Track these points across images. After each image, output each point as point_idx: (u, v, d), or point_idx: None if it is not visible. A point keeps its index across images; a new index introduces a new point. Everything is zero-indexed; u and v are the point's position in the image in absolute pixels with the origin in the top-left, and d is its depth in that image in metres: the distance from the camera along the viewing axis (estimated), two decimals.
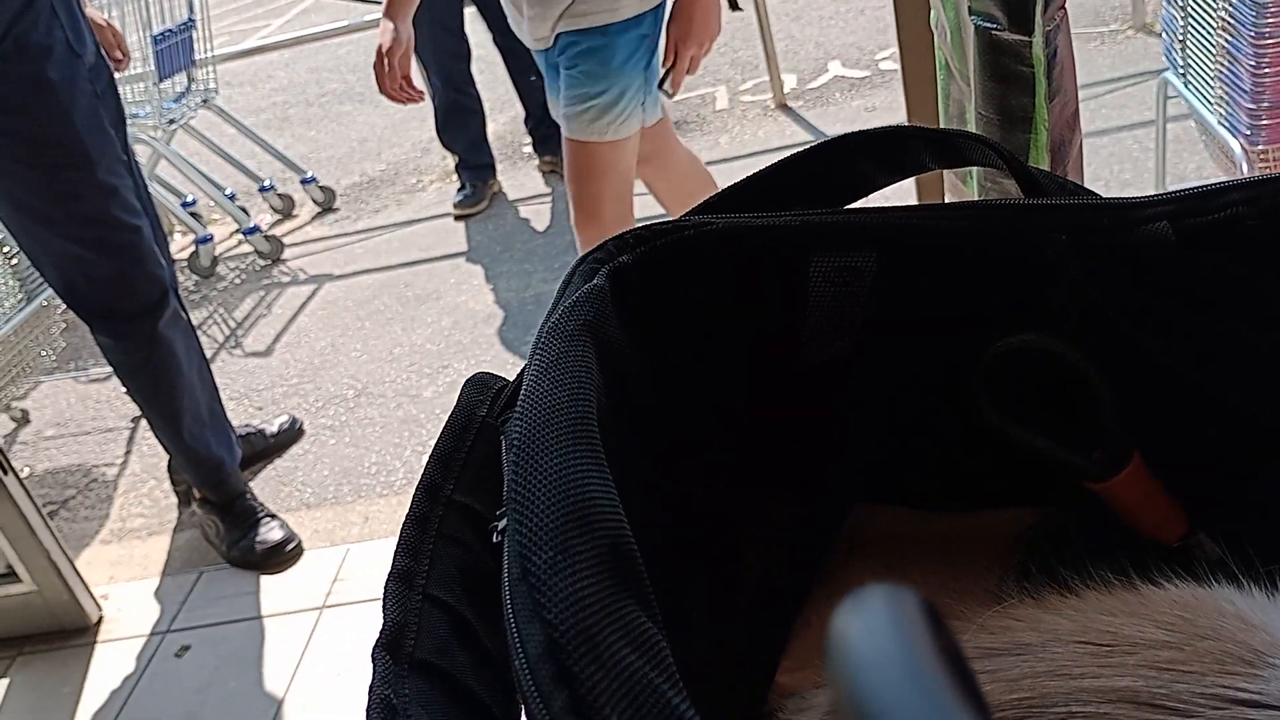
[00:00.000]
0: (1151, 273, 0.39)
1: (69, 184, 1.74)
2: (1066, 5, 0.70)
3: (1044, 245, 0.39)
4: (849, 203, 0.45)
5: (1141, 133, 2.72)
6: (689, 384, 0.41)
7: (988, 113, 0.72)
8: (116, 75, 1.98)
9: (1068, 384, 0.41)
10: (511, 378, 0.39)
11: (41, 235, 1.79)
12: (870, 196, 0.46)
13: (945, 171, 0.93)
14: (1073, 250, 0.39)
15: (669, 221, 0.40)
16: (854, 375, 0.43)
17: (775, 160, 0.45)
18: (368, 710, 0.31)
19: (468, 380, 0.39)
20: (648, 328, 0.39)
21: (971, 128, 0.75)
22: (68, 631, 1.98)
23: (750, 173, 0.45)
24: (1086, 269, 0.39)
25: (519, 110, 3.47)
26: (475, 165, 3.35)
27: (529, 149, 3.59)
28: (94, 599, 2.02)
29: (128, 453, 2.63)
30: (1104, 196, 0.40)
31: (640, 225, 0.40)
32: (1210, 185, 0.38)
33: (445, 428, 0.37)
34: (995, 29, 0.70)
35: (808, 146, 0.45)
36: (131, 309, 1.87)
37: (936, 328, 0.43)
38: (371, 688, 0.32)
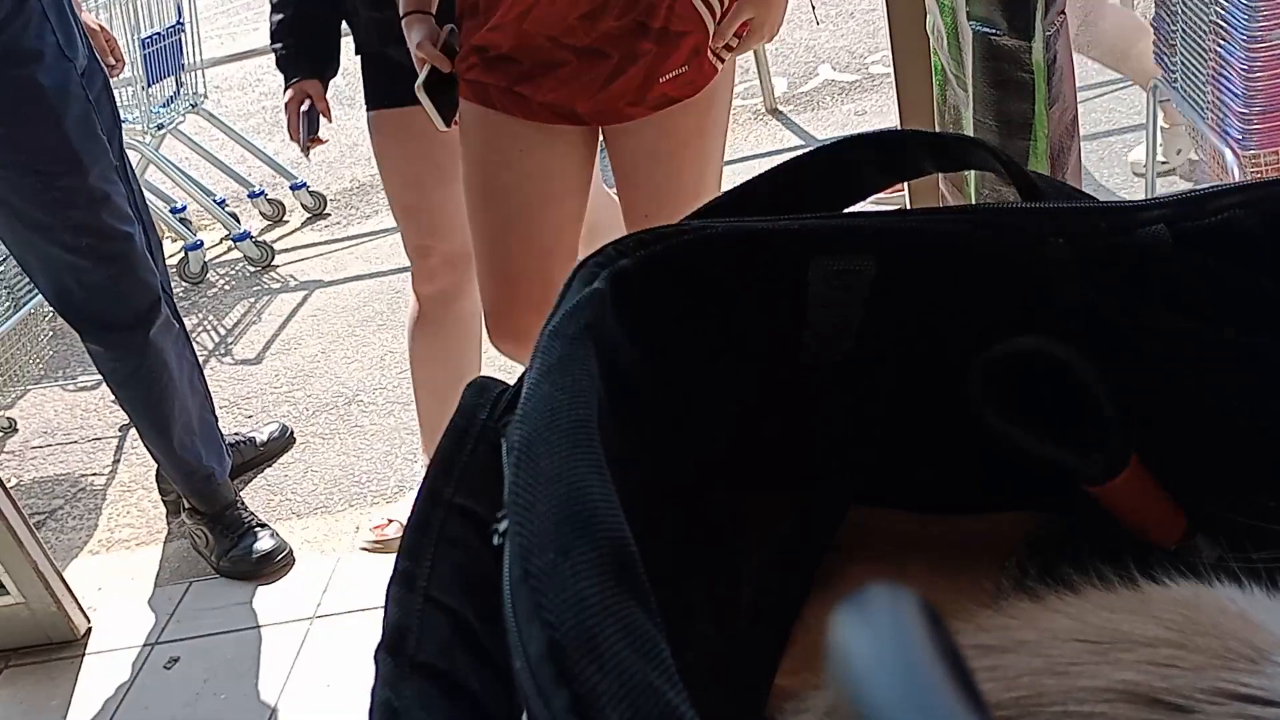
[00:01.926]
0: (1149, 276, 0.39)
1: (61, 191, 1.73)
2: (1065, 10, 0.70)
3: (1042, 248, 0.39)
4: (848, 206, 0.45)
5: (1130, 136, 2.74)
6: (689, 386, 0.41)
7: (986, 119, 0.73)
8: None
9: (1066, 387, 0.41)
10: (503, 383, 0.39)
11: (33, 242, 1.79)
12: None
13: (941, 179, 0.94)
14: (1071, 253, 0.39)
15: (669, 225, 0.40)
16: (853, 378, 0.43)
17: (769, 164, 0.45)
18: (370, 712, 0.31)
19: (469, 384, 0.39)
20: (648, 331, 0.39)
21: (969, 133, 0.75)
22: (55, 643, 1.96)
23: (742, 177, 0.45)
24: (1084, 272, 0.39)
25: None
26: None
27: None
28: (82, 610, 2.01)
29: (116, 462, 2.61)
30: (1101, 200, 0.41)
31: (641, 229, 0.40)
32: (1207, 189, 0.38)
33: (446, 431, 0.38)
34: (995, 35, 0.70)
35: (807, 150, 0.45)
36: (123, 317, 1.86)
37: (935, 331, 0.43)
38: (373, 690, 0.32)
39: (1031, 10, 0.67)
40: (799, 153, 0.45)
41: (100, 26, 2.32)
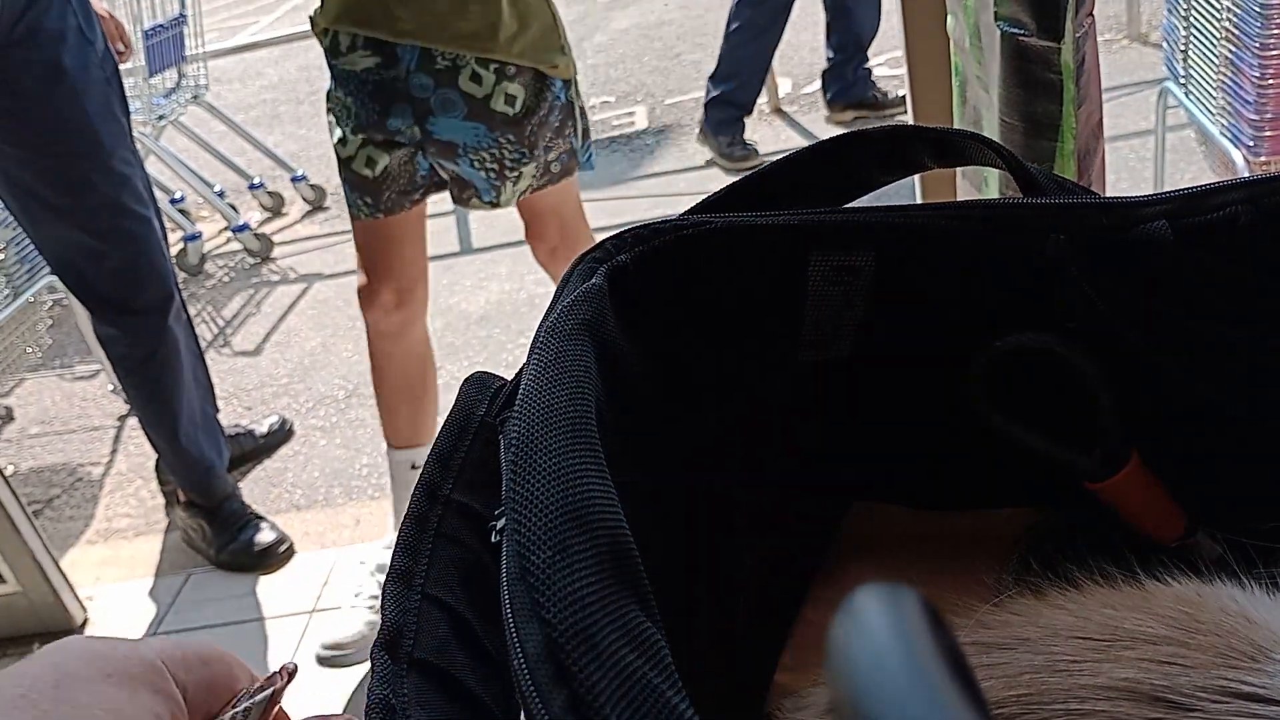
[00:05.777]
0: (1150, 272, 0.39)
1: (82, 172, 1.73)
2: (1094, 12, 0.70)
3: (1043, 244, 0.39)
4: (848, 201, 0.45)
5: (1138, 142, 2.74)
6: (687, 383, 0.41)
7: (1011, 119, 0.72)
8: None
9: (1067, 383, 0.41)
10: (501, 378, 0.39)
11: (52, 224, 1.78)
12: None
13: (960, 177, 0.93)
14: (1071, 249, 0.39)
15: (667, 220, 0.40)
16: (853, 374, 0.43)
17: (771, 161, 0.45)
18: (366, 710, 0.31)
19: (466, 379, 0.39)
20: (646, 327, 0.39)
21: (991, 135, 0.75)
22: (53, 633, 1.97)
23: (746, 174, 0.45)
24: (1085, 268, 0.39)
25: None
26: (743, 103, 3.14)
27: None
28: (79, 600, 2.01)
29: (114, 452, 2.61)
30: (1103, 196, 0.40)
31: (639, 224, 0.40)
32: (1210, 185, 0.38)
33: (444, 427, 0.37)
34: (1023, 35, 0.69)
35: (806, 145, 0.45)
36: (142, 301, 1.86)
37: (936, 327, 0.43)
38: (370, 687, 0.31)
39: (1062, 11, 0.67)
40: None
41: (109, 14, 2.31)
